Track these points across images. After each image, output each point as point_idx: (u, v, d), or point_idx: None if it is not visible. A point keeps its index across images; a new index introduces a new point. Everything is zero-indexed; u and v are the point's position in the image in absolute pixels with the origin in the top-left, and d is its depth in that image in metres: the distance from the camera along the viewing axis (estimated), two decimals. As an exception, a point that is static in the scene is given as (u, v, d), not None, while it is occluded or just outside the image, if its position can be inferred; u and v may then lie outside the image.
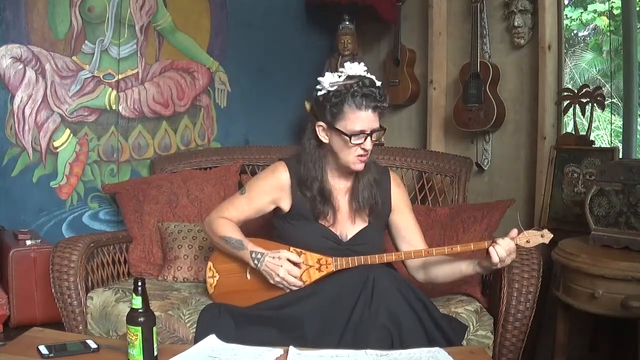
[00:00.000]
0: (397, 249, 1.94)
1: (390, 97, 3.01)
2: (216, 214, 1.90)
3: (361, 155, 1.74)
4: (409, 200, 1.98)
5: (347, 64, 1.78)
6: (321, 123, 1.77)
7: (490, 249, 1.64)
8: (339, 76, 1.74)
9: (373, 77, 1.76)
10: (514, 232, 1.68)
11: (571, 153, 2.40)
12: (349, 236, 1.85)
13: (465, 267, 1.77)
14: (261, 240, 1.84)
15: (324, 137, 1.78)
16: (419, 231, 1.92)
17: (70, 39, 2.60)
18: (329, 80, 1.74)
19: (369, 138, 1.72)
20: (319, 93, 1.76)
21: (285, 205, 1.85)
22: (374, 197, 1.83)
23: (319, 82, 1.76)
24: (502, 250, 1.63)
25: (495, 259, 1.63)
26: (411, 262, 1.87)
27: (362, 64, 1.79)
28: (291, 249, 1.79)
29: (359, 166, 1.77)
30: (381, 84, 1.76)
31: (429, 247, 1.84)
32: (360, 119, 1.70)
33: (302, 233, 1.82)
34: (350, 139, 1.70)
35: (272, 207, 1.88)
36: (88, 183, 2.69)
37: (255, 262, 1.76)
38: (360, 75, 1.73)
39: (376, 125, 1.73)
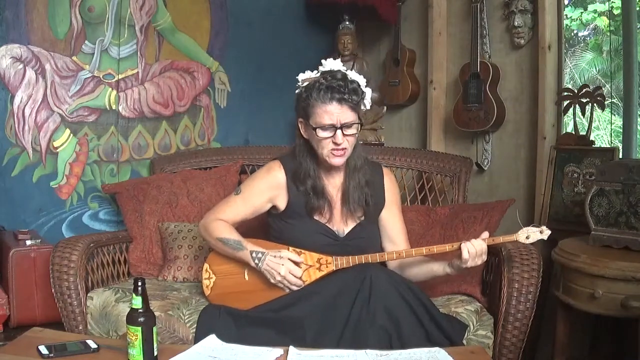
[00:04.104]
0: (380, 246, 1.94)
1: (390, 96, 3.09)
2: (211, 216, 1.89)
3: (335, 150, 1.73)
4: (399, 198, 1.99)
5: (324, 61, 1.79)
6: (300, 119, 1.80)
7: (462, 245, 1.65)
8: (317, 73, 1.77)
9: (349, 72, 1.77)
10: (485, 234, 1.69)
11: (571, 153, 2.40)
12: (346, 231, 1.85)
13: (436, 268, 1.79)
14: (259, 241, 1.84)
15: (304, 133, 1.80)
16: (404, 232, 1.94)
17: (70, 39, 2.60)
18: (302, 77, 1.77)
19: (339, 131, 1.71)
20: (297, 91, 1.79)
21: (281, 204, 1.85)
22: (365, 197, 1.83)
23: (297, 80, 1.79)
24: (473, 248, 1.64)
25: (465, 255, 1.63)
26: (391, 262, 1.87)
27: (338, 60, 1.81)
28: (290, 249, 1.79)
29: (335, 160, 1.76)
30: (359, 78, 1.77)
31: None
32: (326, 112, 1.70)
33: (299, 231, 1.83)
34: (316, 132, 1.71)
35: (269, 206, 1.88)
36: (88, 183, 2.69)
37: (256, 261, 1.75)
38: (331, 70, 1.74)
39: (347, 118, 1.71)
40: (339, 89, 1.70)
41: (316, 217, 1.84)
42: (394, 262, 1.88)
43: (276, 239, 1.87)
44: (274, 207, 1.88)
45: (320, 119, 1.71)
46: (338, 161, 1.76)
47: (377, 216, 1.92)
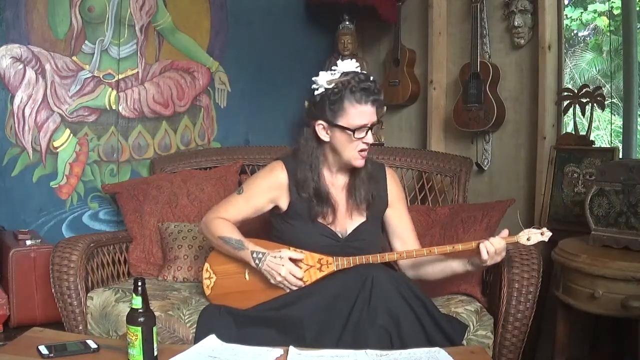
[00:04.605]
0: (390, 246, 1.95)
1: (390, 96, 3.09)
2: (213, 214, 1.89)
3: (363, 150, 1.77)
4: (404, 197, 2.00)
5: (340, 62, 1.80)
6: (321, 122, 1.77)
7: (481, 245, 1.67)
8: (333, 74, 1.77)
9: (365, 72, 1.79)
10: (505, 232, 1.71)
11: (571, 153, 2.40)
12: (347, 232, 1.85)
13: (456, 266, 1.80)
14: (260, 241, 1.83)
15: (324, 135, 1.78)
16: (412, 229, 1.94)
17: (70, 39, 2.60)
18: (325, 79, 1.76)
19: (369, 132, 1.75)
20: (317, 92, 1.78)
21: (284, 204, 1.85)
22: (371, 192, 1.84)
23: (314, 82, 1.78)
24: (492, 247, 1.66)
25: (484, 255, 1.65)
26: (402, 260, 1.87)
27: (353, 60, 1.82)
28: (291, 249, 1.79)
29: (360, 162, 1.79)
30: (374, 78, 1.80)
31: (423, 246, 1.89)
32: (362, 112, 1.73)
33: (301, 232, 1.83)
34: (354, 134, 1.73)
35: (271, 206, 1.88)
36: (88, 183, 2.69)
37: (257, 261, 1.75)
38: (354, 71, 1.77)
39: (375, 118, 1.77)
40: (372, 90, 1.73)
41: (319, 220, 1.83)
42: (405, 261, 1.88)
43: (278, 238, 1.87)
44: (276, 207, 1.88)
45: (354, 119, 1.72)
46: (362, 162, 1.80)
47: (380, 217, 1.92)
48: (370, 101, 1.73)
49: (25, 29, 2.50)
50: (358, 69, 1.78)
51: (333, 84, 1.74)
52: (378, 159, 2.43)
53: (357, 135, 1.73)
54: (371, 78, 1.76)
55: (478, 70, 2.67)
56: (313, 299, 1.65)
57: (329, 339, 1.57)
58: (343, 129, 1.73)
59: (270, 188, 1.85)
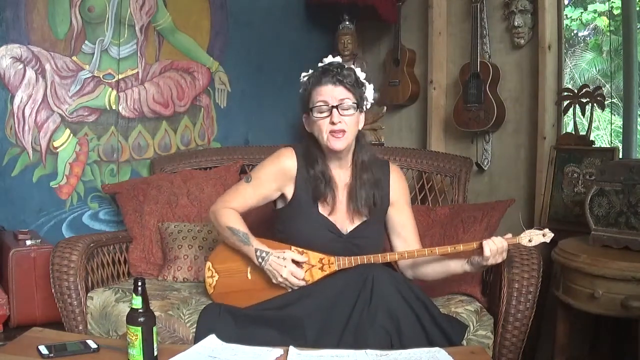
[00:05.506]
0: (391, 245, 1.95)
1: (390, 96, 3.09)
2: (221, 203, 1.89)
3: (334, 132, 1.74)
4: (408, 195, 1.98)
5: (325, 59, 1.84)
6: (304, 114, 1.83)
7: (484, 243, 1.67)
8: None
9: (350, 65, 1.84)
10: (509, 235, 1.71)
11: (571, 153, 2.40)
12: (349, 229, 1.85)
13: (454, 265, 1.80)
14: (263, 240, 1.83)
15: (308, 126, 1.83)
16: (414, 229, 1.93)
17: (70, 39, 2.60)
18: (303, 74, 1.83)
19: (335, 110, 1.73)
20: (300, 90, 1.83)
21: (289, 193, 1.85)
22: (373, 197, 1.83)
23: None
24: (494, 246, 1.66)
25: (487, 253, 1.65)
26: (402, 260, 1.87)
27: (338, 57, 1.86)
28: (293, 248, 1.79)
29: (335, 143, 1.76)
30: (358, 72, 1.83)
31: (424, 247, 1.88)
32: (321, 92, 1.75)
33: (303, 225, 1.83)
34: (313, 112, 1.75)
35: (278, 193, 1.88)
36: (88, 183, 2.69)
37: (260, 260, 1.76)
38: (330, 62, 1.81)
39: (342, 96, 1.75)
40: (333, 70, 1.75)
41: (320, 208, 1.83)
42: (405, 261, 1.88)
43: (280, 232, 1.87)
44: (281, 198, 1.88)
45: (315, 100, 1.76)
46: (338, 144, 1.76)
47: (383, 216, 1.92)
48: (330, 81, 1.74)
49: (25, 29, 2.50)
50: (335, 60, 1.81)
51: (306, 78, 1.81)
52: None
53: (316, 114, 1.74)
54: (337, 62, 1.79)
55: (478, 70, 2.67)
56: (314, 298, 1.65)
57: (330, 339, 1.57)
58: (310, 112, 1.77)
59: (277, 175, 1.85)
